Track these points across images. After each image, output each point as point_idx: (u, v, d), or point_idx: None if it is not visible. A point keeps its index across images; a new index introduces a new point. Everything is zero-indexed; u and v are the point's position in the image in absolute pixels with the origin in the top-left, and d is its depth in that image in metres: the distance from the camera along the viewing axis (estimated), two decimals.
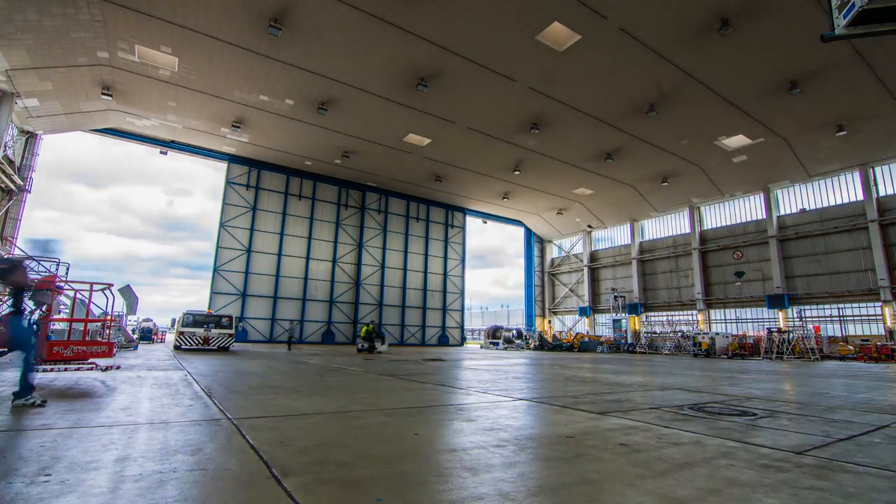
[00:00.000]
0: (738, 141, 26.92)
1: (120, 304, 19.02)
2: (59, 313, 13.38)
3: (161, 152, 30.56)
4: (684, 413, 5.42)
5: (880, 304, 25.82)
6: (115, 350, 7.93)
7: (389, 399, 6.17)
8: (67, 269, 19.48)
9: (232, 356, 15.38)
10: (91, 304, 8.32)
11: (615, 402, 6.24)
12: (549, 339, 38.28)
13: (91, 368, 7.34)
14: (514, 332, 39.90)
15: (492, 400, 6.33)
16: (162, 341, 30.69)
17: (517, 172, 32.62)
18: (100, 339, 8.89)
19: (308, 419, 4.56)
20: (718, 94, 21.92)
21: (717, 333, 28.83)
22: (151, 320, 31.77)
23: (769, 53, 18.81)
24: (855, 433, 4.35)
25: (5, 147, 20.66)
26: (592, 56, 19.52)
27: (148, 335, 27.89)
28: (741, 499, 2.47)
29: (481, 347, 39.34)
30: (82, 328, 8.68)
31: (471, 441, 3.77)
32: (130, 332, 22.21)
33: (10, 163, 21.83)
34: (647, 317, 38.45)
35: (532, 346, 37.76)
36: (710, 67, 19.99)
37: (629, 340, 36.81)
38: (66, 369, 6.92)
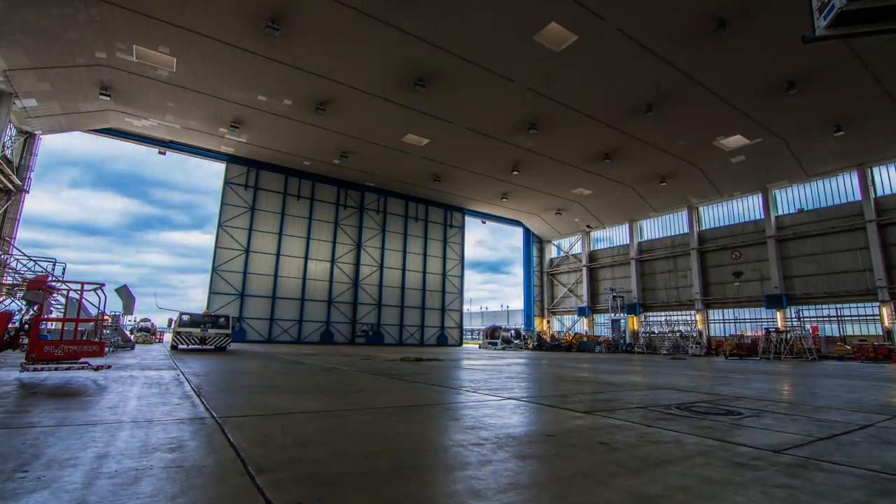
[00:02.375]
0: (736, 141, 26.92)
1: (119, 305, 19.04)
2: (51, 313, 13.42)
3: (160, 152, 30.62)
4: (670, 412, 5.43)
5: (878, 304, 25.80)
6: (106, 349, 7.97)
7: (378, 398, 6.19)
8: (64, 268, 19.54)
9: (228, 356, 15.42)
10: (84, 302, 8.36)
11: (603, 402, 6.25)
12: (548, 339, 38.28)
13: (82, 368, 7.38)
14: (513, 332, 39.90)
15: (480, 399, 6.35)
16: (160, 341, 30.72)
17: (516, 173, 32.64)
18: (93, 339, 8.92)
19: (292, 418, 4.58)
20: (716, 94, 21.92)
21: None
22: (149, 320, 31.82)
23: (766, 54, 18.80)
24: (837, 432, 4.37)
25: (4, 147, 20.73)
26: (590, 56, 19.54)
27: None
28: (709, 496, 2.49)
29: (480, 347, 39.34)
30: (73, 328, 8.72)
31: (451, 440, 3.80)
32: (128, 333, 22.24)
33: (9, 163, 21.89)
34: (645, 317, 38.44)
35: (531, 346, 37.76)
36: (707, 68, 19.99)
37: (627, 340, 36.82)
38: (56, 369, 6.95)
